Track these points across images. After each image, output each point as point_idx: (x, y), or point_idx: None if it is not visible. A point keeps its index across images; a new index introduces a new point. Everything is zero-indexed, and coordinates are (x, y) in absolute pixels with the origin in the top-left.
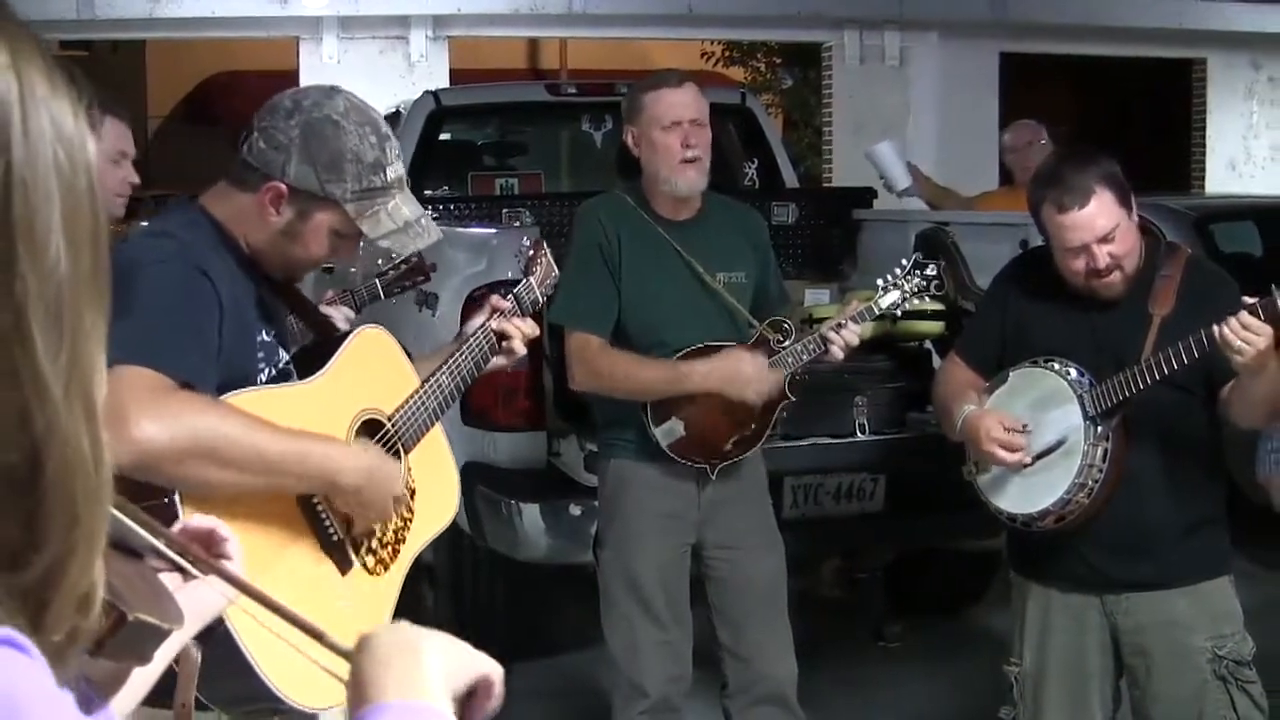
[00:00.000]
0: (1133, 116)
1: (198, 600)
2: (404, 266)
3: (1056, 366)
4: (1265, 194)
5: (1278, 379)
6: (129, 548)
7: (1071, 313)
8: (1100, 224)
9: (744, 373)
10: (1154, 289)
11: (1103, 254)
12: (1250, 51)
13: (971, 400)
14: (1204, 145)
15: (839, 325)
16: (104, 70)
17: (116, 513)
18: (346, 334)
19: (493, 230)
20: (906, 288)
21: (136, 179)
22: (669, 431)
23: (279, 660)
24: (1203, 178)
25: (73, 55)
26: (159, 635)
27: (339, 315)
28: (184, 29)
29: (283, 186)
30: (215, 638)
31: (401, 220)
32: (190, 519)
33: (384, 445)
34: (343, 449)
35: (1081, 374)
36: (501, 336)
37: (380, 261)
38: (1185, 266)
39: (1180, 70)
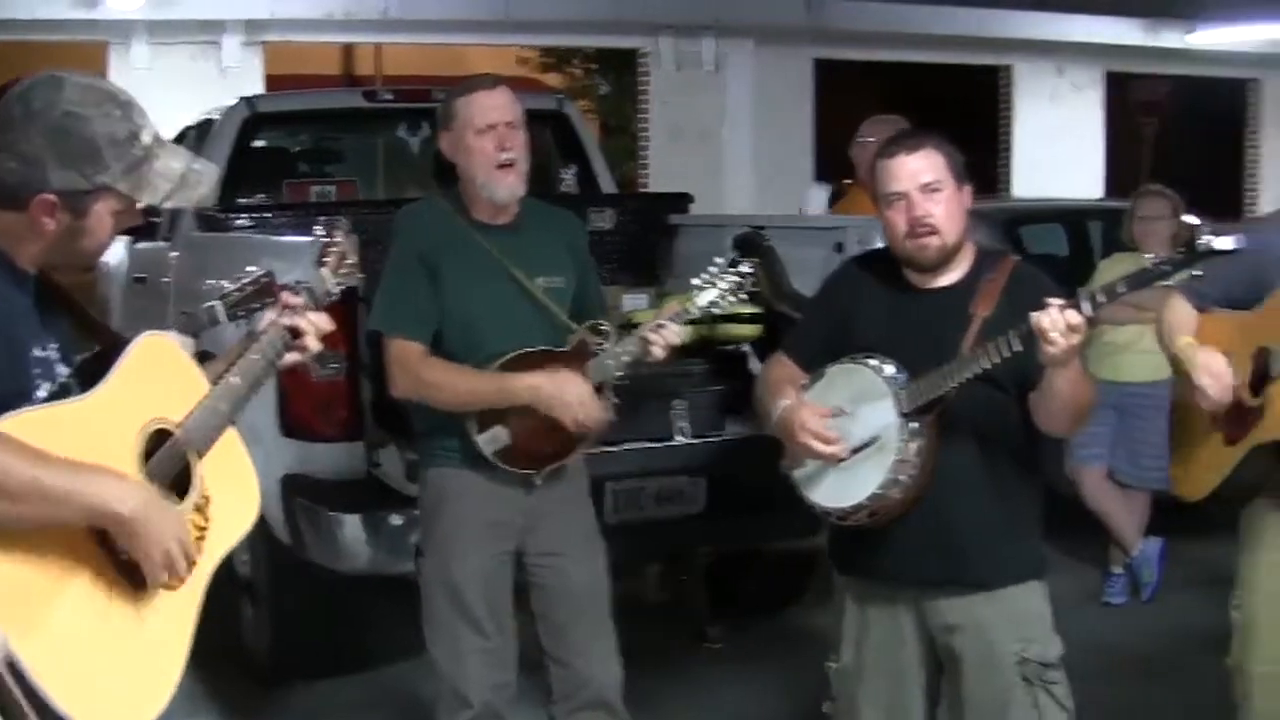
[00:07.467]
0: (941, 121)
1: None
2: (250, 288)
3: (873, 362)
4: (1070, 197)
5: (1079, 380)
6: None
7: (896, 311)
8: (924, 175)
9: (569, 399)
10: (978, 291)
11: (921, 204)
12: (1054, 58)
13: (789, 396)
14: (1010, 149)
15: (658, 326)
16: None
17: None
18: (128, 343)
19: (308, 239)
20: (722, 286)
21: None
22: (493, 439)
23: (74, 689)
24: (1009, 181)
25: None
26: None
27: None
28: None
29: (50, 197)
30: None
31: (176, 176)
32: None
33: (173, 453)
34: (118, 483)
35: (898, 370)
36: (295, 333)
37: (225, 283)
38: (1011, 270)
39: (987, 76)
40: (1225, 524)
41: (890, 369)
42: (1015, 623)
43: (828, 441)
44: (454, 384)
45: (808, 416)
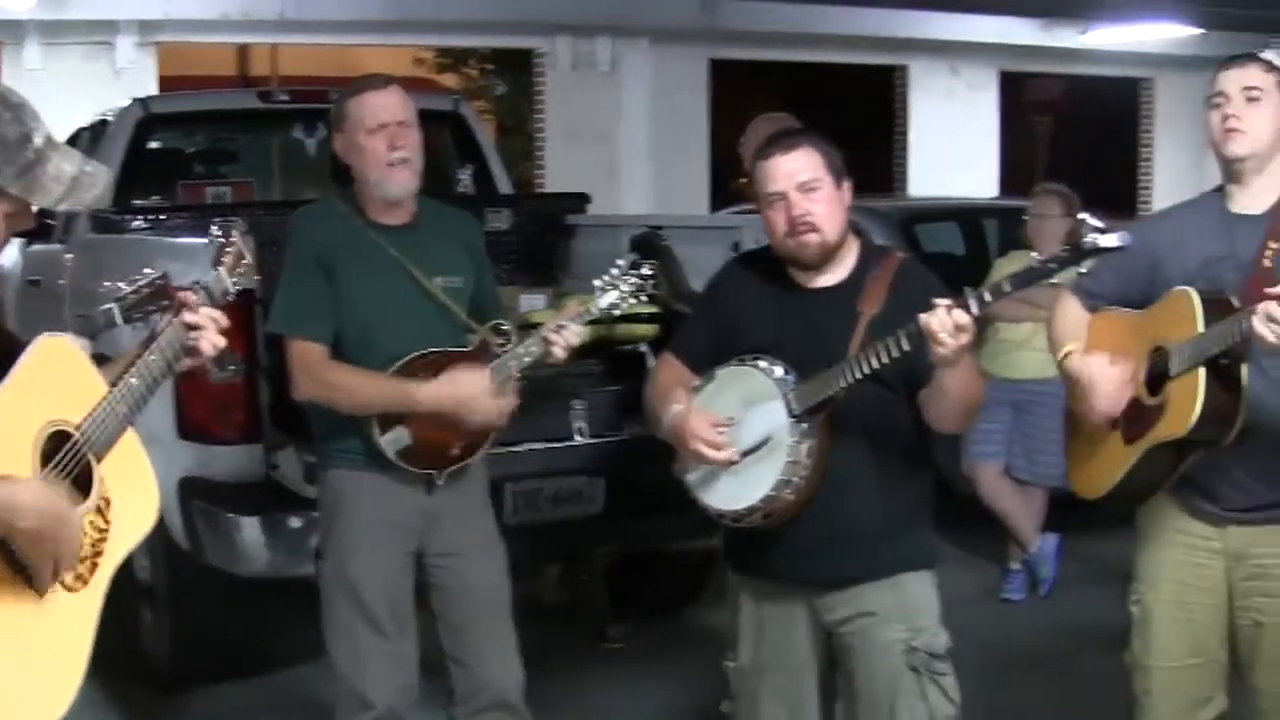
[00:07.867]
0: (837, 120)
1: None
2: (146, 290)
3: (762, 364)
4: (965, 196)
5: (969, 378)
6: None
7: (781, 310)
8: (801, 174)
9: (471, 395)
10: (864, 289)
11: (800, 202)
12: (949, 57)
13: (680, 399)
14: (906, 148)
15: (559, 326)
16: None
17: None
18: (24, 345)
19: (204, 240)
20: (623, 288)
21: None
22: (396, 440)
23: None
24: (905, 180)
25: None
26: None
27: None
28: None
29: None
30: None
31: (68, 179)
32: None
33: (74, 455)
34: (22, 488)
35: (787, 371)
36: (192, 329)
37: (121, 285)
38: (896, 268)
39: (883, 75)
40: (1122, 520)
41: (779, 370)
42: (904, 610)
43: (719, 447)
44: (358, 389)
45: (697, 423)
